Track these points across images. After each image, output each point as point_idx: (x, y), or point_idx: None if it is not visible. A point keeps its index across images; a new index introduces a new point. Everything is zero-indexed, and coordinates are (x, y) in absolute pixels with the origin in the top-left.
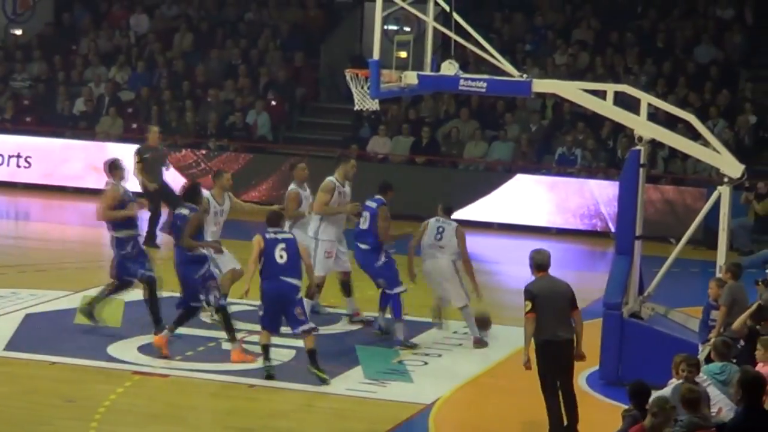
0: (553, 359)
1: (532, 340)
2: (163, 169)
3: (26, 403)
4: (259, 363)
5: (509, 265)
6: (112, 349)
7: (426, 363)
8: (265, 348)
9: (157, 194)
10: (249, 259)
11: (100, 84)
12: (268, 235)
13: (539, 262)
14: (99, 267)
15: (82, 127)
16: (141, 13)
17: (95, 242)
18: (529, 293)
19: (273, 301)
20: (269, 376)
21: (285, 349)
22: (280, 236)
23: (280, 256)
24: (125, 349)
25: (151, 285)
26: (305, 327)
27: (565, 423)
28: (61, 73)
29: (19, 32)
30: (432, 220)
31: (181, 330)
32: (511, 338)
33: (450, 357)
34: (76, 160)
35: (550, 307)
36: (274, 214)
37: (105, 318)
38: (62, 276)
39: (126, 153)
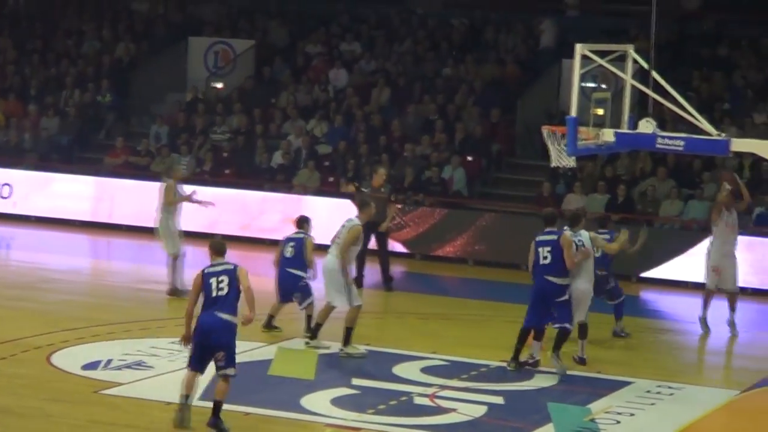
0: None
1: None
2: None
3: None
4: (452, 416)
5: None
6: (305, 401)
7: (618, 422)
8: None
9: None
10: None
11: (298, 137)
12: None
13: None
14: (294, 319)
15: (280, 180)
16: (340, 68)
17: None
18: None
19: None
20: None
21: (476, 405)
22: None
23: None
24: (318, 401)
25: None
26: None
27: None
28: (260, 126)
29: (220, 85)
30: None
31: (373, 383)
32: (705, 399)
33: (643, 416)
34: (273, 212)
35: None
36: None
37: (298, 370)
38: (255, 328)
39: (321, 206)
